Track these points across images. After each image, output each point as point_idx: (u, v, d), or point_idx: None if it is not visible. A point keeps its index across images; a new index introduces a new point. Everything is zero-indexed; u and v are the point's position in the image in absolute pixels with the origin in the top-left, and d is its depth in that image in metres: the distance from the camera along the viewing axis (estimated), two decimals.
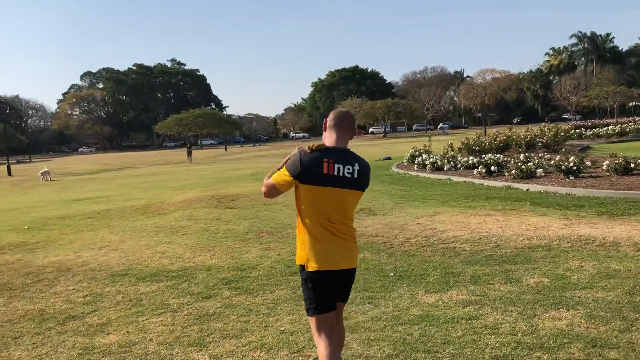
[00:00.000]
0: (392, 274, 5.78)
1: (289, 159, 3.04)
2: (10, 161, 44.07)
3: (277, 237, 8.22)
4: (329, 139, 3.15)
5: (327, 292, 3.05)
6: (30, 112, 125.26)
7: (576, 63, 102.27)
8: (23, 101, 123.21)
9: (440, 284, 5.34)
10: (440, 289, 5.21)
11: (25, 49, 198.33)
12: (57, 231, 10.26)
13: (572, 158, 12.47)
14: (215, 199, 13.51)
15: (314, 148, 3.02)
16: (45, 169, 29.68)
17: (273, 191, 3.15)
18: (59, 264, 7.31)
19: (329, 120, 3.23)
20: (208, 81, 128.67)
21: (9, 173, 37.75)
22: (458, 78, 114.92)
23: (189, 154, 43.57)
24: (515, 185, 12.16)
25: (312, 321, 3.09)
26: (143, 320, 4.81)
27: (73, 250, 8.24)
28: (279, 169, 3.09)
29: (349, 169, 3.01)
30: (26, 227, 10.93)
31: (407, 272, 5.84)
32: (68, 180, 27.90)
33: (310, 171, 2.96)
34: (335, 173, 2.98)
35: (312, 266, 3.02)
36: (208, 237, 8.68)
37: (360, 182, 3.07)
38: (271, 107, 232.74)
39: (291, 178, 3.00)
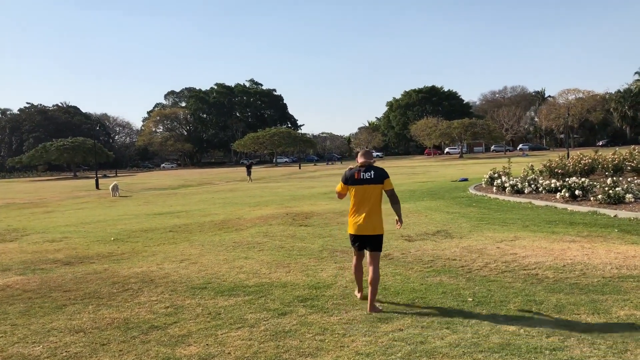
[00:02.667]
0: (470, 299, 5.63)
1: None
2: (97, 175, 46.61)
3: (351, 257, 8.15)
4: (359, 161, 5.80)
5: (355, 243, 5.79)
6: (117, 129, 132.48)
7: None
8: (111, 118, 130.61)
9: (522, 312, 5.14)
10: (522, 316, 5.01)
11: (113, 68, 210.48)
12: (140, 243, 10.73)
13: None
14: (289, 217, 13.70)
15: (356, 166, 5.79)
16: (115, 183, 29.58)
17: (338, 194, 5.96)
18: (143, 275, 7.63)
19: (358, 155, 5.91)
20: (284, 101, 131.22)
21: (97, 186, 39.89)
22: (539, 98, 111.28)
23: (249, 173, 42.42)
24: (601, 210, 11.56)
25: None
26: (222, 334, 4.93)
27: (155, 263, 8.58)
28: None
29: (368, 174, 5.67)
30: (112, 239, 11.50)
31: (486, 297, 5.67)
32: (151, 195, 29.11)
33: (350, 178, 5.74)
34: (362, 177, 5.67)
35: (349, 230, 5.86)
36: (283, 254, 8.80)
37: (376, 179, 5.66)
38: (345, 125, 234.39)
39: (342, 183, 5.83)
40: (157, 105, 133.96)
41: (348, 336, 4.70)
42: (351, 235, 5.83)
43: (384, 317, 5.18)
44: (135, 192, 32.09)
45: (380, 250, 5.71)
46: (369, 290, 5.51)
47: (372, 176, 5.64)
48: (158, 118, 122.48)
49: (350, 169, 5.77)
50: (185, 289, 6.73)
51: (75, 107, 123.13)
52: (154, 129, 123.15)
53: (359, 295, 5.90)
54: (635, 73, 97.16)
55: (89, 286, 7.13)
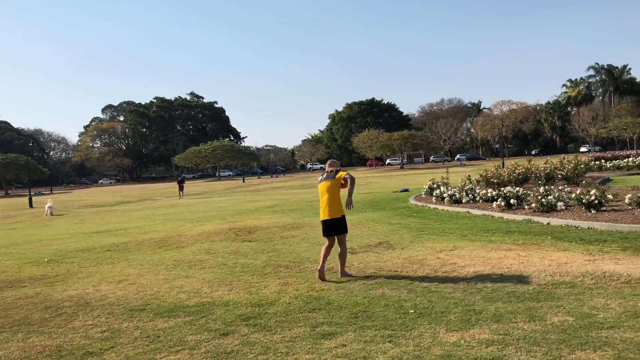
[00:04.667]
0: (412, 311, 5.68)
1: None
2: (31, 192, 44.69)
3: (295, 272, 8.16)
4: (327, 169, 7.86)
5: (325, 228, 7.64)
6: (52, 145, 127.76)
7: (594, 94, 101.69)
8: (45, 134, 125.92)
9: (462, 322, 5.23)
10: (462, 327, 5.10)
11: (47, 81, 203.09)
12: (76, 264, 10.32)
13: (593, 191, 12.24)
14: (232, 232, 13.52)
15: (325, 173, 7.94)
16: (49, 204, 28.75)
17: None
18: (78, 298, 7.32)
19: (327, 164, 7.97)
20: (226, 113, 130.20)
21: (31, 205, 38.24)
22: (475, 110, 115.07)
23: (181, 188, 41.46)
24: (535, 218, 11.98)
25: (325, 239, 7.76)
26: (160, 358, 4.77)
27: (92, 284, 8.26)
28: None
29: (325, 175, 7.74)
30: (46, 260, 11.01)
31: (427, 309, 5.74)
32: (88, 213, 28.14)
33: (318, 181, 7.81)
34: (321, 179, 7.77)
35: (320, 218, 7.67)
36: (226, 271, 8.65)
37: (329, 177, 7.61)
38: (289, 138, 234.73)
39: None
40: (94, 119, 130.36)
41: (291, 354, 4.64)
42: (322, 222, 7.68)
43: (327, 333, 5.15)
44: (71, 210, 30.93)
45: (345, 232, 7.66)
46: (339, 263, 7.63)
47: (327, 176, 7.72)
48: (95, 133, 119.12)
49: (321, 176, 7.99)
50: (123, 311, 6.49)
51: (5, 122, 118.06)
52: (91, 144, 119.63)
53: (317, 267, 7.60)
54: (563, 85, 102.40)
55: (19, 312, 6.77)
